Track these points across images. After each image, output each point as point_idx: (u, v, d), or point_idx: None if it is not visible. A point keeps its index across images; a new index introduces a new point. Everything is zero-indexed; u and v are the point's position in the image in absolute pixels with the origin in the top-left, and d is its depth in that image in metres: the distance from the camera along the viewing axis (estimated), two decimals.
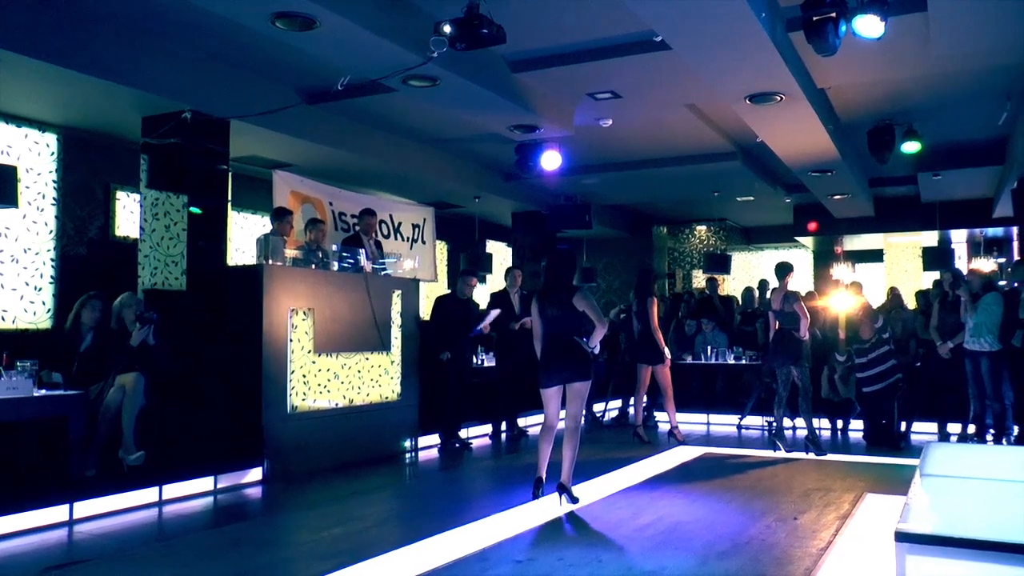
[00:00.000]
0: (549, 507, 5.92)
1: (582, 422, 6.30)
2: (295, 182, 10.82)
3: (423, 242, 12.75)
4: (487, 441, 9.40)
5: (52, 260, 8.60)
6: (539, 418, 10.35)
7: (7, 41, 6.37)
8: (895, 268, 18.32)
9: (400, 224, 12.98)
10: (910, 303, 11.79)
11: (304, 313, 7.31)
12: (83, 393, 6.15)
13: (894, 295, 11.57)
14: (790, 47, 7.15)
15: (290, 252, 7.65)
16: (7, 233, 8.23)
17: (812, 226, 16.06)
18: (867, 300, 10.54)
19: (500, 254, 15.63)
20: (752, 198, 14.51)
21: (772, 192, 13.92)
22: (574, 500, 5.90)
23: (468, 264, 12.78)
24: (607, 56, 7.66)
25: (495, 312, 8.96)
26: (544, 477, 5.96)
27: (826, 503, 6.04)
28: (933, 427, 9.36)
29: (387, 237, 12.28)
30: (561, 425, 5.98)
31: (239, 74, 8.27)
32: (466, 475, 7.58)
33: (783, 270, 8.59)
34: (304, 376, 7.31)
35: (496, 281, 13.36)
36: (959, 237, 17.20)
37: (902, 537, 3.08)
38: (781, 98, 7.96)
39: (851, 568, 4.52)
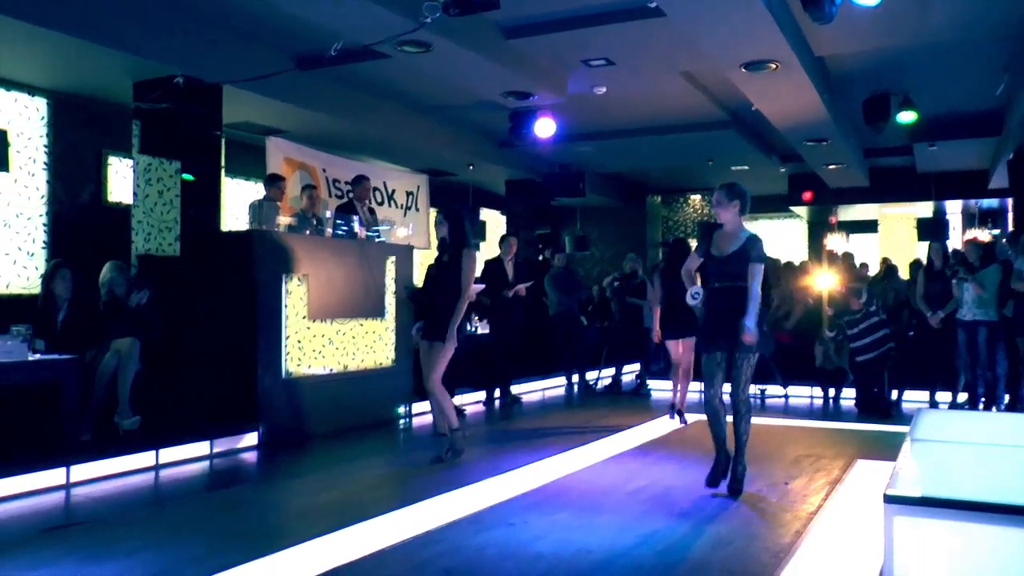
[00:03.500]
0: (542, 472, 5.97)
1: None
2: (289, 148, 10.79)
3: (416, 209, 12.74)
4: (481, 408, 9.44)
5: (44, 225, 8.58)
6: (532, 385, 10.54)
7: None
8: (889, 239, 18.37)
9: (394, 191, 12.96)
10: (904, 274, 11.82)
11: (299, 279, 7.31)
12: (78, 358, 6.15)
13: (887, 265, 11.61)
14: (786, 14, 7.11)
15: (283, 219, 7.63)
16: None
17: (807, 196, 16.04)
18: (850, 275, 10.48)
19: (494, 222, 15.63)
20: (747, 167, 14.49)
21: (767, 162, 13.91)
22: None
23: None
24: (601, 23, 7.60)
25: (478, 287, 8.86)
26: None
27: (816, 469, 6.10)
28: (924, 395, 9.42)
29: (381, 204, 12.26)
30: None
31: (232, 39, 8.20)
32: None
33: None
34: (299, 342, 7.32)
35: (490, 249, 13.36)
36: (954, 208, 17.24)
37: (891, 499, 3.11)
38: (776, 66, 7.93)
39: (840, 531, 4.58)
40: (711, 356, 5.31)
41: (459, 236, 6.36)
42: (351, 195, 9.41)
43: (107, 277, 6.92)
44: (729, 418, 5.34)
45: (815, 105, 9.49)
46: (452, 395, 8.84)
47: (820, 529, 4.57)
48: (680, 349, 8.30)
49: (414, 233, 11.03)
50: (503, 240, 9.78)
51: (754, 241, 5.22)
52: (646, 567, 3.96)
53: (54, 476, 5.53)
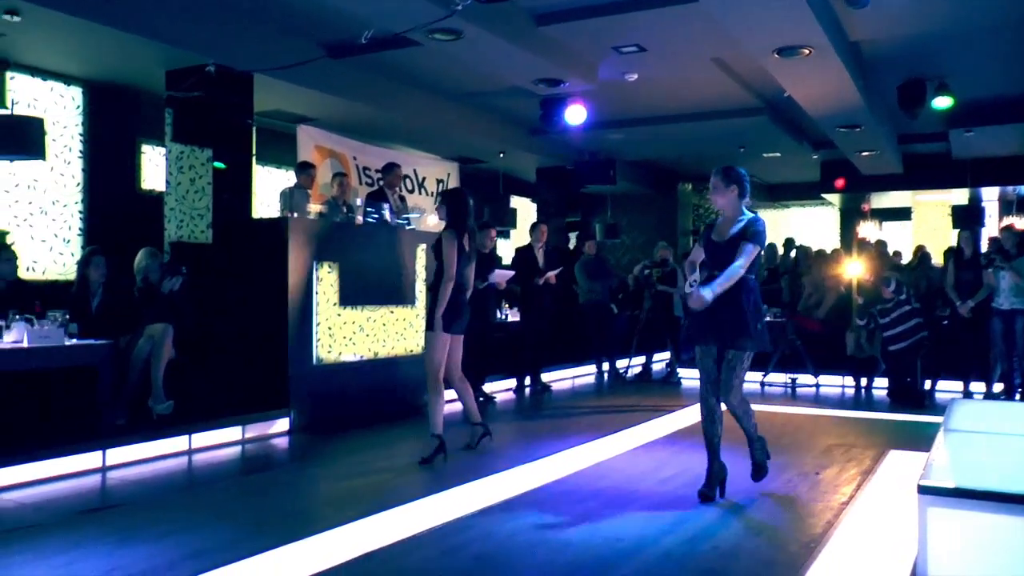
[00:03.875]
0: (572, 460, 5.98)
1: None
2: (319, 136, 10.84)
3: None
4: (511, 396, 9.46)
5: (80, 212, 8.69)
6: (562, 373, 10.55)
7: None
8: (923, 226, 18.12)
9: (424, 179, 12.99)
10: (939, 262, 11.67)
11: (329, 266, 7.35)
12: (113, 343, 6.24)
13: (921, 253, 11.47)
14: None
15: (314, 206, 7.67)
16: (35, 185, 8.31)
17: (839, 183, 15.88)
18: (882, 263, 10.37)
19: (524, 209, 15.61)
20: (778, 154, 14.36)
21: (799, 148, 13.77)
22: None
23: (492, 219, 12.77)
24: (633, 8, 7.55)
25: (507, 273, 8.88)
26: None
27: (848, 459, 6.05)
28: (958, 386, 9.31)
29: (411, 192, 12.30)
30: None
31: (263, 28, 8.24)
32: (490, 428, 7.63)
33: None
34: (329, 328, 7.37)
35: (520, 236, 13.35)
36: (990, 195, 16.94)
37: (925, 490, 3.09)
38: (810, 51, 7.83)
39: (873, 522, 4.54)
40: (706, 349, 4.88)
41: (450, 218, 6.05)
42: (381, 183, 9.44)
43: (141, 264, 7.00)
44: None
45: (849, 91, 9.37)
46: (482, 382, 8.88)
47: (852, 520, 4.53)
48: None
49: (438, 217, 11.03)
50: (533, 228, 9.78)
51: (753, 222, 4.82)
52: (675, 555, 3.95)
53: (91, 459, 5.63)
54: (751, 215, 4.92)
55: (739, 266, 4.68)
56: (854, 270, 9.89)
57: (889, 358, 9.11)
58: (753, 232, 4.79)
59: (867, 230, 17.74)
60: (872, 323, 9.19)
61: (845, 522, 4.48)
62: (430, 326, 5.93)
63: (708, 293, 4.64)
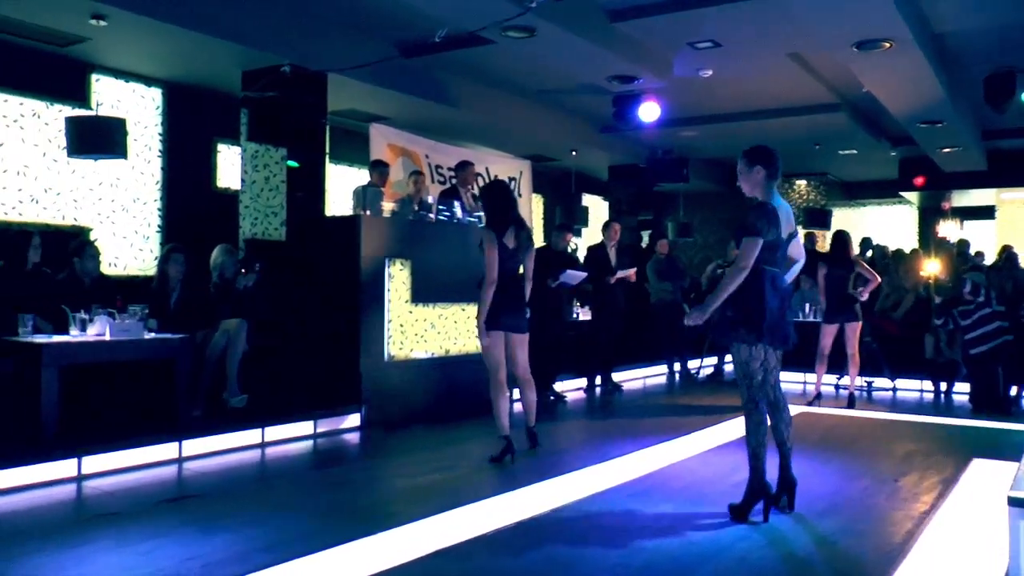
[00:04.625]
0: (644, 461, 5.92)
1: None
2: (392, 135, 10.93)
3: (519, 195, 12.76)
4: (582, 395, 9.41)
5: (159, 210, 8.91)
6: (633, 372, 10.46)
7: None
8: (1008, 226, 17.47)
9: (496, 177, 13.01)
10: None
11: (401, 263, 7.40)
12: (190, 337, 6.38)
13: (1008, 253, 11.08)
14: None
15: (387, 204, 7.73)
16: (118, 183, 8.54)
17: (919, 181, 15.43)
18: (961, 263, 10.05)
19: (596, 208, 15.55)
20: (855, 151, 14.03)
21: (876, 145, 13.43)
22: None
23: (564, 218, 12.74)
24: (709, 3, 7.45)
25: (579, 275, 8.78)
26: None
27: (928, 466, 5.86)
28: None
29: None
30: None
31: (337, 28, 8.33)
32: (561, 428, 7.61)
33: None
34: (401, 325, 7.42)
35: (593, 235, 13.29)
36: None
37: (1016, 502, 2.97)
38: (890, 45, 7.64)
39: (957, 533, 4.36)
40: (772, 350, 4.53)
41: (488, 216, 5.89)
42: (454, 180, 9.47)
43: (217, 260, 7.14)
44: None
45: (931, 85, 9.11)
46: (553, 381, 8.85)
47: (934, 530, 4.37)
48: (847, 333, 8.43)
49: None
50: (606, 226, 9.71)
51: (750, 210, 4.43)
52: (750, 560, 3.87)
53: (168, 450, 5.77)
54: (759, 200, 4.52)
55: (735, 269, 4.36)
56: (932, 270, 9.60)
57: (971, 362, 8.80)
58: (744, 224, 4.40)
59: (947, 229, 17.23)
60: (951, 323, 8.88)
61: (927, 532, 4.32)
62: (479, 327, 5.83)
63: (696, 315, 4.46)
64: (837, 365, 9.53)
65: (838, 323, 8.40)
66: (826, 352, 8.56)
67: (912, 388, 9.83)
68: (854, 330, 8.42)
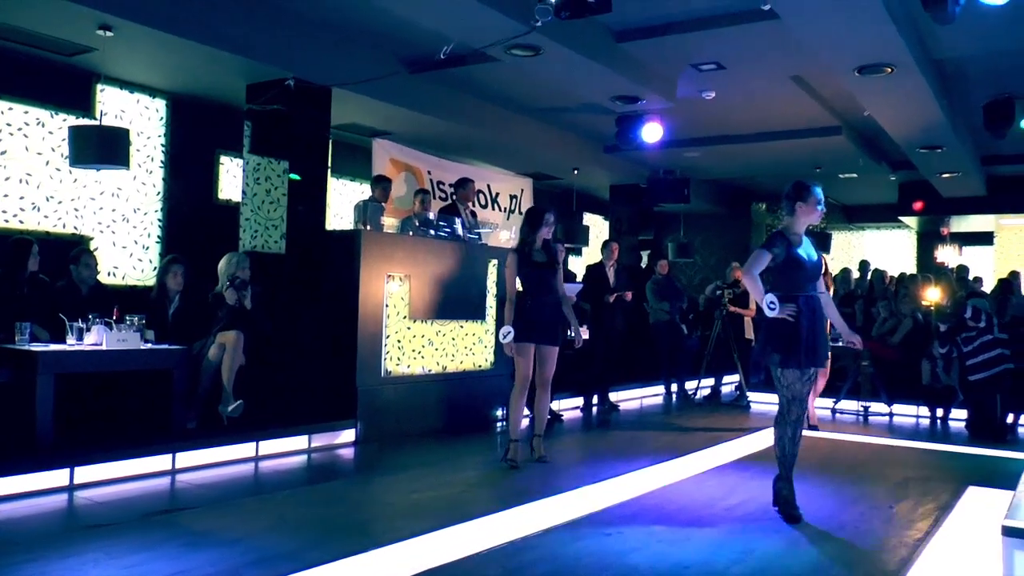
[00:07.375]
0: (639, 482, 5.90)
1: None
2: (394, 150, 10.95)
3: (520, 213, 12.75)
4: (578, 414, 9.39)
5: (159, 221, 8.91)
6: (630, 392, 10.44)
7: (121, 9, 6.58)
8: (1007, 252, 17.51)
9: (497, 195, 13.05)
10: None
11: (400, 279, 7.40)
12: (187, 348, 6.37)
13: (1006, 280, 11.07)
14: (905, 15, 6.85)
15: (388, 219, 7.74)
16: (119, 193, 8.55)
17: (918, 205, 15.44)
18: (960, 289, 10.06)
19: (597, 227, 15.57)
20: (855, 175, 14.04)
21: (876, 169, 13.45)
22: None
23: (564, 236, 12.75)
24: (713, 26, 7.48)
25: (574, 287, 8.82)
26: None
27: (923, 493, 5.84)
28: None
29: (484, 207, 12.36)
30: None
31: (342, 42, 8.36)
32: (557, 447, 7.58)
33: None
34: (399, 341, 7.41)
35: (592, 254, 13.32)
36: None
37: (1010, 532, 2.96)
38: (891, 70, 7.66)
39: (951, 561, 4.35)
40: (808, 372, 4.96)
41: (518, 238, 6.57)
42: (455, 197, 9.49)
43: (230, 267, 7.07)
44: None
45: (931, 110, 9.13)
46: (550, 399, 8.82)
47: (929, 557, 4.35)
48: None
49: (516, 236, 11.09)
50: (605, 245, 9.71)
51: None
52: None
53: (161, 462, 5.75)
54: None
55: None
56: (932, 296, 9.60)
57: (969, 389, 8.79)
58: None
59: (946, 254, 17.25)
60: (954, 351, 8.86)
61: (921, 559, 4.31)
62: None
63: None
64: (832, 389, 9.55)
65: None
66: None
67: (908, 413, 9.81)
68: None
